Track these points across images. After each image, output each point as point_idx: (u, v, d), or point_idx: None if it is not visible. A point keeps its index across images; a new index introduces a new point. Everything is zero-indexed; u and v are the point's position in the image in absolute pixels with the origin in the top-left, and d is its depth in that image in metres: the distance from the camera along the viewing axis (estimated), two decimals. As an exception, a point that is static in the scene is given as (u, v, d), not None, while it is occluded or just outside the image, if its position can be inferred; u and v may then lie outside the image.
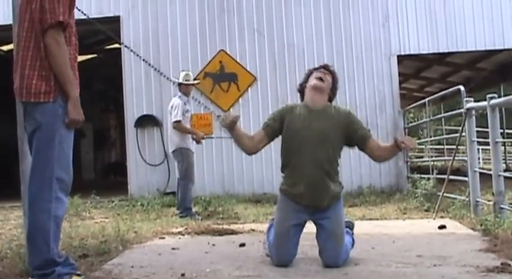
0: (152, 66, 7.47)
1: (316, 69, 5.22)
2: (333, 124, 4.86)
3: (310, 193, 4.78)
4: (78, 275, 3.99)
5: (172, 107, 8.91)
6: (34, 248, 3.85)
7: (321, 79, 5.04)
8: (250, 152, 5.09)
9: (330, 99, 5.09)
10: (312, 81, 5.06)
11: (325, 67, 5.23)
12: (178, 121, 8.75)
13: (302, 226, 4.94)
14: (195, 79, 10.00)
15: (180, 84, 9.13)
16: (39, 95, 3.84)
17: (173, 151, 9.02)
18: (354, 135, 4.91)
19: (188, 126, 9.04)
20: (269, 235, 5.08)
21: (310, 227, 5.01)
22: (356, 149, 5.04)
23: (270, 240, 5.01)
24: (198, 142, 9.13)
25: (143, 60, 7.07)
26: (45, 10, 3.82)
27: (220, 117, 5.21)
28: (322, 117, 4.88)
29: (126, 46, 7.37)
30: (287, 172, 4.98)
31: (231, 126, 4.78)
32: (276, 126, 4.99)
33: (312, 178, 4.78)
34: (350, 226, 5.33)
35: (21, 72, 3.92)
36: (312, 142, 4.79)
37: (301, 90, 5.21)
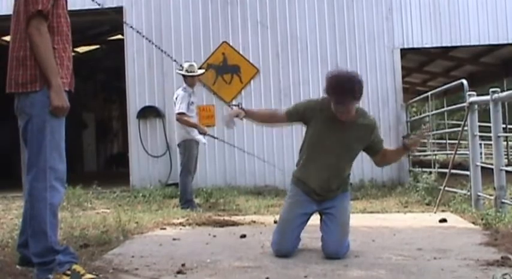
0: (155, 45, 7.19)
1: (336, 100, 4.70)
2: (357, 137, 4.91)
3: (320, 189, 4.95)
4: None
5: (177, 99, 8.85)
6: (33, 237, 3.90)
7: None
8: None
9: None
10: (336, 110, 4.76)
11: (346, 95, 4.67)
12: (182, 113, 8.68)
13: (308, 216, 5.02)
14: (199, 69, 9.90)
15: (185, 76, 9.07)
16: (26, 85, 3.92)
17: (178, 144, 8.99)
18: (373, 146, 5.03)
19: (195, 118, 8.99)
20: None
21: (310, 220, 5.04)
22: None
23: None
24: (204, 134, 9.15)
25: (147, 39, 6.74)
26: (28, 1, 3.89)
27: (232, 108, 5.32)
28: (348, 129, 4.84)
29: (131, 27, 7.26)
30: (303, 164, 5.06)
31: (240, 117, 5.02)
32: (296, 119, 5.12)
33: (324, 179, 4.93)
34: None
35: (10, 64, 4.02)
36: (333, 153, 4.88)
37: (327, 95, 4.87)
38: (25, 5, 3.90)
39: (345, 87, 4.62)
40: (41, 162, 3.88)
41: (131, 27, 6.42)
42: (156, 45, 6.04)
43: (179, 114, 8.68)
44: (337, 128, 4.82)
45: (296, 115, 5.06)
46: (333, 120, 4.80)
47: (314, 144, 4.96)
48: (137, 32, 6.49)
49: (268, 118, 5.46)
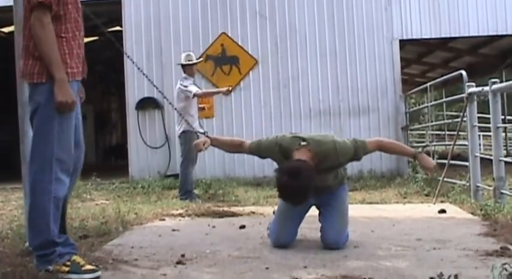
0: (156, 87, 6.93)
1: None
2: (328, 169, 4.74)
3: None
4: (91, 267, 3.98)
5: (181, 90, 8.80)
6: (34, 229, 3.86)
7: None
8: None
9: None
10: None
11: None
12: (196, 92, 8.76)
13: (307, 208, 5.00)
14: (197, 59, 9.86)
15: (183, 66, 9.07)
16: (33, 75, 3.85)
17: (179, 136, 9.00)
18: (352, 159, 4.84)
19: (196, 107, 8.98)
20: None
21: (310, 210, 5.04)
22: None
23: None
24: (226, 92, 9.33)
25: (145, 75, 6.38)
26: None
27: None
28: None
29: (128, 56, 7.19)
30: None
31: (207, 147, 5.12)
32: (259, 157, 5.07)
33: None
34: None
35: (21, 52, 3.99)
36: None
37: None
38: None
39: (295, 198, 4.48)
40: (47, 153, 3.79)
41: (127, 55, 6.34)
42: (156, 87, 6.02)
43: (195, 94, 8.75)
44: None
45: (259, 155, 5.01)
46: None
47: None
48: (138, 68, 6.44)
49: (232, 149, 5.32)
